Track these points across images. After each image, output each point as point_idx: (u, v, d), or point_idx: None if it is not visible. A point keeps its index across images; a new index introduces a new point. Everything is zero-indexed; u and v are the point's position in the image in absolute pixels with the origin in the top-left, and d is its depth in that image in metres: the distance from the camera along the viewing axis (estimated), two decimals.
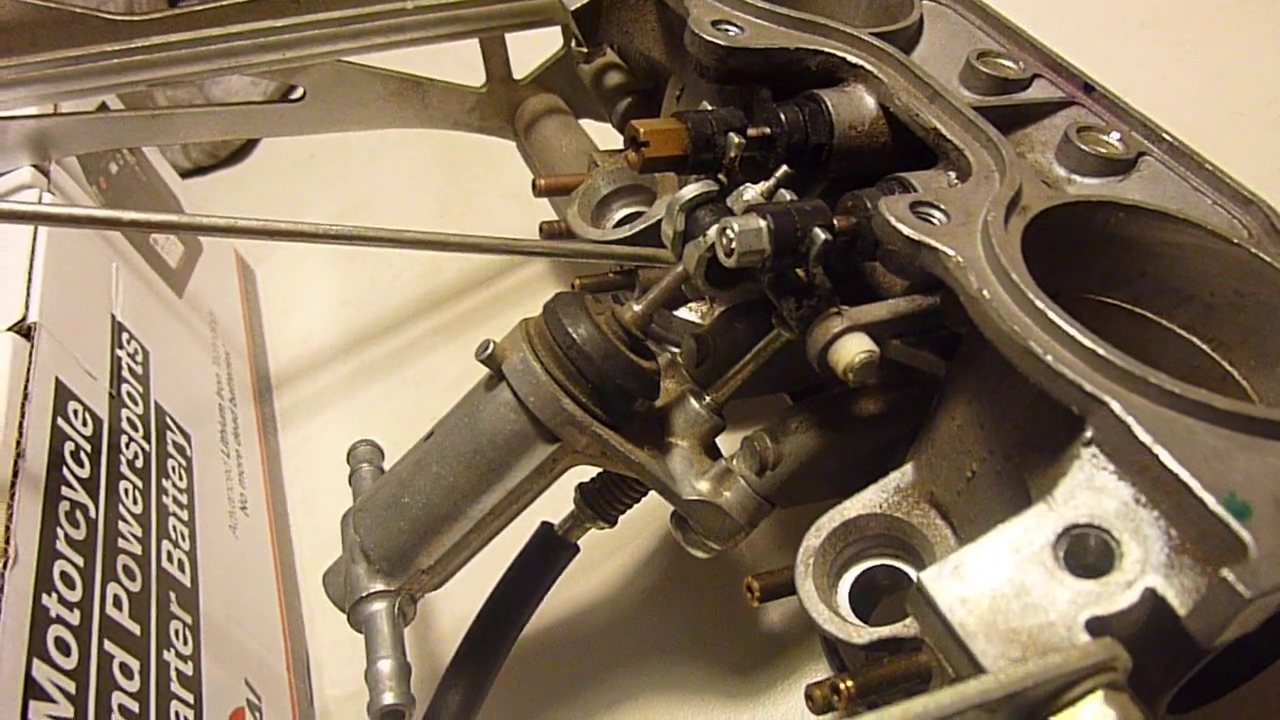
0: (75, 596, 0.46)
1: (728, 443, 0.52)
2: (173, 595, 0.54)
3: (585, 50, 0.62)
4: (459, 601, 0.55)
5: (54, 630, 0.44)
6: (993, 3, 0.59)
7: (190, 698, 0.51)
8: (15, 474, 0.46)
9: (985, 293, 0.37)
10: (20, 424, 0.48)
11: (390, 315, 0.88)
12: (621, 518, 0.53)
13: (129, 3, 1.14)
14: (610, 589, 0.63)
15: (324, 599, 0.68)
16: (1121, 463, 0.33)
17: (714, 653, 0.60)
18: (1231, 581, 0.29)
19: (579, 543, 0.55)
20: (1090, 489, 0.33)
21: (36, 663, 0.42)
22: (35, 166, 0.64)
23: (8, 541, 0.44)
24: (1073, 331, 0.35)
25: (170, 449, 0.61)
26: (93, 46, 0.59)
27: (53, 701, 0.42)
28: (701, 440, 0.50)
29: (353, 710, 0.65)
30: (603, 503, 0.53)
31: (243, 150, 1.11)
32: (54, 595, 0.45)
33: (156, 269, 0.72)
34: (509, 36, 0.74)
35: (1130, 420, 0.33)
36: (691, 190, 0.46)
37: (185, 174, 1.05)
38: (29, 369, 0.51)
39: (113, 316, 0.62)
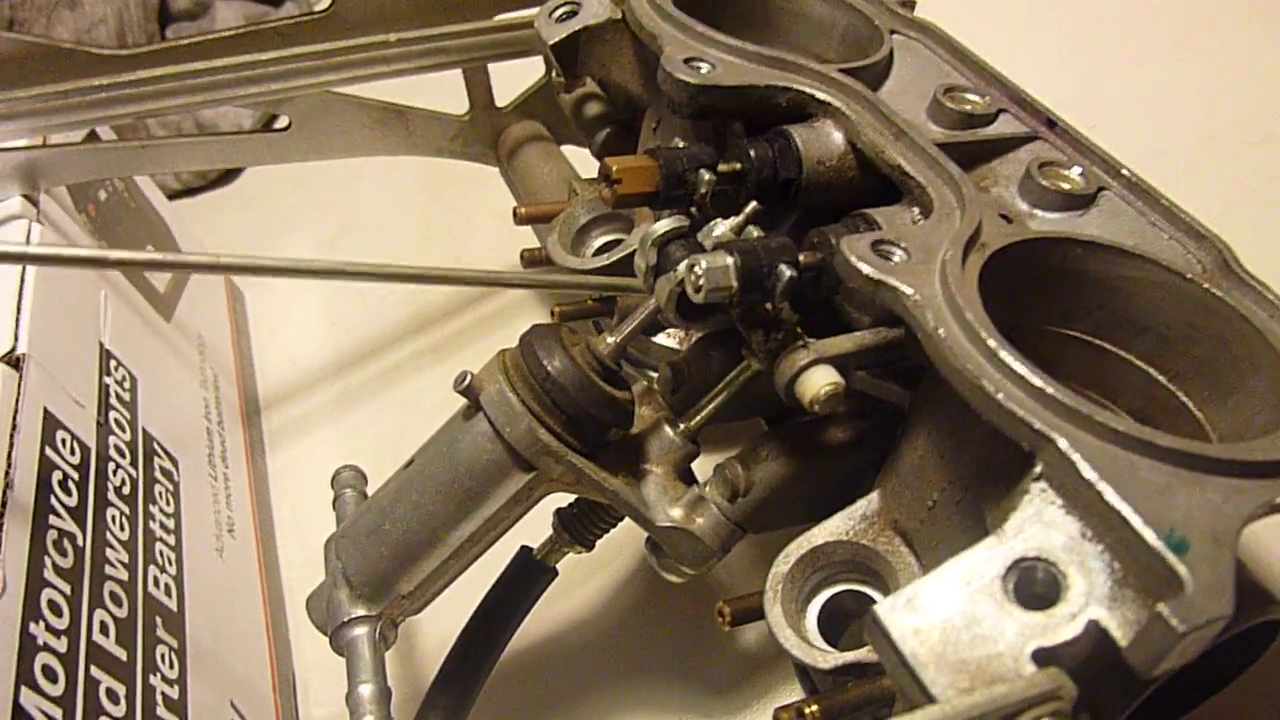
0: (62, 624, 0.47)
1: (703, 465, 0.53)
2: (159, 620, 0.55)
3: (565, 81, 0.63)
4: (440, 625, 0.56)
5: (41, 658, 0.45)
6: (963, 31, 0.60)
7: None
8: (3, 504, 0.47)
9: (941, 331, 0.38)
10: (9, 454, 0.49)
11: (377, 338, 0.89)
12: (599, 542, 0.55)
13: (119, 26, 1.15)
14: (588, 611, 0.65)
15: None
16: (1069, 498, 0.34)
17: (690, 673, 0.61)
18: (1166, 616, 0.30)
19: (557, 566, 0.56)
20: (1039, 523, 0.35)
21: (24, 690, 0.43)
22: (25, 196, 0.65)
23: None
24: (1023, 370, 0.36)
25: (158, 474, 0.62)
26: (82, 80, 0.60)
27: None
28: (676, 467, 0.52)
29: None
30: (580, 528, 0.54)
31: (231, 172, 1.12)
32: (41, 623, 0.46)
33: (145, 295, 0.73)
34: (491, 65, 0.75)
35: (1076, 457, 0.34)
36: (663, 225, 0.47)
37: (173, 195, 1.06)
38: (17, 400, 0.52)
39: (101, 344, 0.63)
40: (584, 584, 0.65)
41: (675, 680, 0.61)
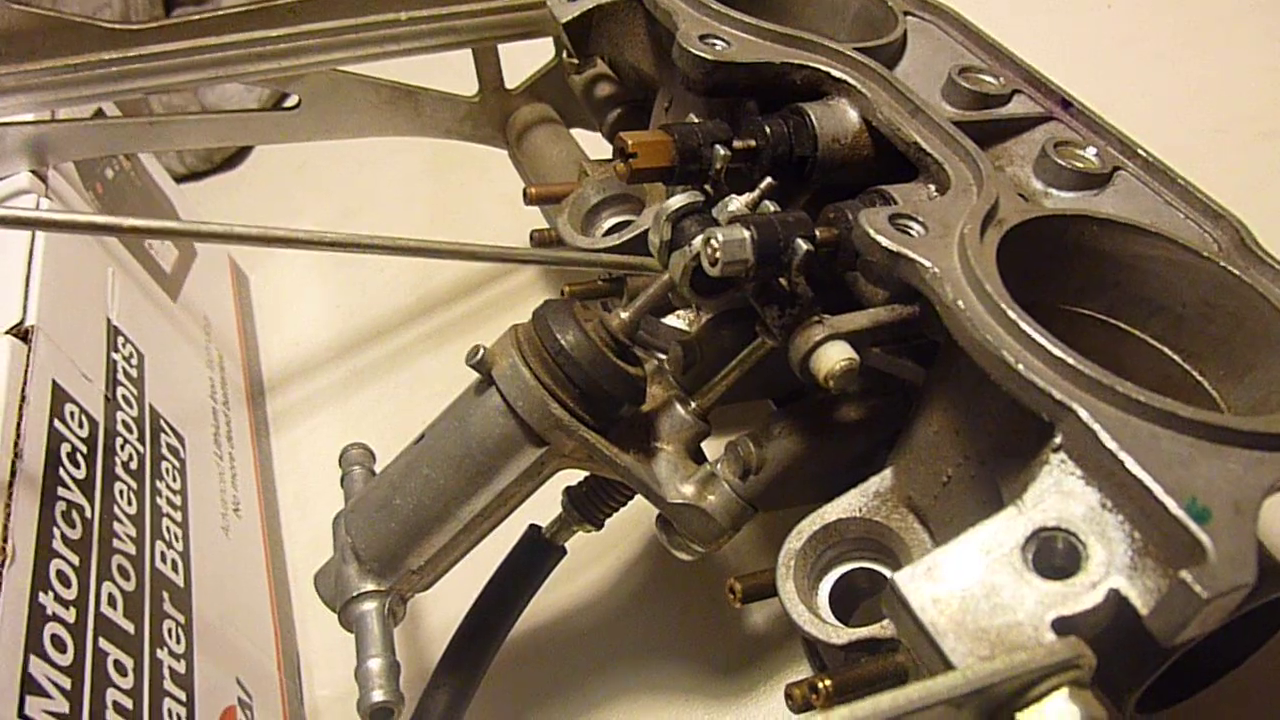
0: (71, 595, 0.47)
1: (712, 447, 0.53)
2: (166, 595, 0.55)
3: (576, 61, 0.63)
4: (447, 603, 0.56)
5: (50, 628, 0.45)
6: (976, 19, 0.60)
7: (183, 695, 0.52)
8: (13, 474, 0.47)
9: (960, 303, 0.38)
10: (18, 425, 0.49)
11: (382, 320, 0.89)
12: (608, 521, 0.54)
13: (125, 9, 1.15)
14: (597, 591, 0.64)
15: (315, 600, 0.69)
16: (1089, 468, 0.34)
17: (698, 653, 0.61)
18: (1190, 583, 0.30)
19: (566, 545, 0.56)
20: (1058, 493, 0.34)
21: (33, 659, 0.43)
22: (33, 172, 0.65)
23: (5, 540, 0.45)
24: (1043, 341, 0.36)
25: (164, 451, 0.62)
26: (91, 55, 0.60)
27: (49, 697, 0.43)
28: (686, 445, 0.51)
29: (342, 711, 0.66)
30: (589, 506, 0.54)
31: (237, 156, 1.12)
32: (50, 594, 0.46)
33: (152, 274, 0.73)
34: (501, 46, 0.75)
35: (1097, 427, 0.34)
36: (678, 201, 0.47)
37: (180, 179, 1.06)
38: (26, 371, 0.52)
39: (108, 320, 0.63)
40: (592, 564, 0.65)
41: (683, 660, 0.61)
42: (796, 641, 0.60)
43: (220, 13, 0.62)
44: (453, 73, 0.79)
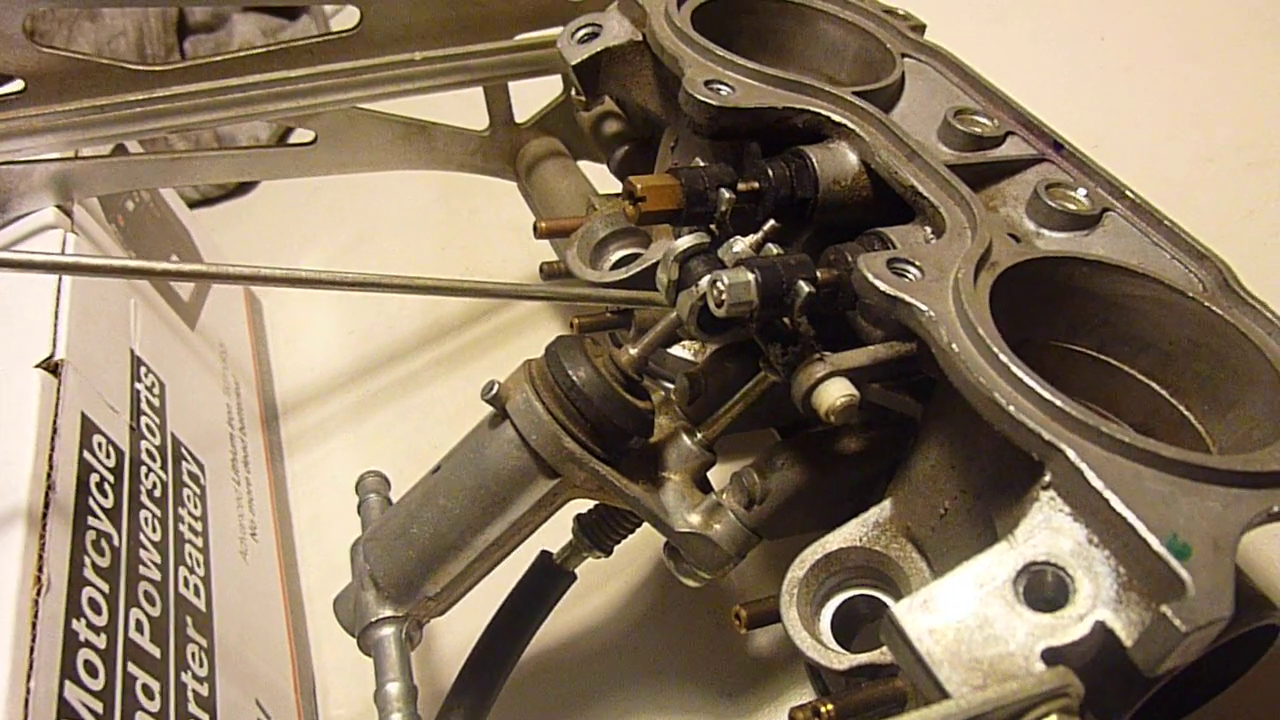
0: (102, 621, 0.49)
1: (717, 475, 0.55)
2: (189, 619, 0.57)
3: (585, 100, 0.65)
4: (460, 627, 0.58)
5: (83, 654, 0.46)
6: (971, 50, 0.62)
7: (206, 717, 0.54)
8: (46, 505, 0.49)
9: (954, 346, 0.40)
10: (50, 457, 0.51)
11: (394, 346, 0.91)
12: (616, 548, 0.56)
13: (139, 39, 1.17)
14: (605, 615, 0.66)
15: (330, 623, 0.71)
16: (1076, 505, 0.36)
17: (703, 676, 0.63)
18: (1170, 616, 0.32)
19: (576, 571, 0.57)
20: (1048, 529, 0.36)
21: (68, 684, 0.44)
22: (59, 206, 0.67)
23: (41, 570, 0.47)
24: (1033, 384, 0.38)
25: (185, 478, 0.64)
26: (117, 95, 0.62)
27: None
28: (693, 475, 0.53)
29: None
30: (599, 533, 0.56)
31: (248, 183, 1.14)
32: (83, 620, 0.47)
33: (171, 303, 0.75)
34: (511, 83, 0.77)
35: (1084, 466, 0.36)
36: (685, 242, 0.49)
37: (193, 205, 1.08)
38: (57, 405, 0.54)
39: (132, 351, 0.65)
40: (601, 589, 0.67)
41: (688, 683, 0.63)
42: (798, 665, 0.62)
43: (241, 54, 0.65)
44: (464, 107, 0.81)
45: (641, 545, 0.65)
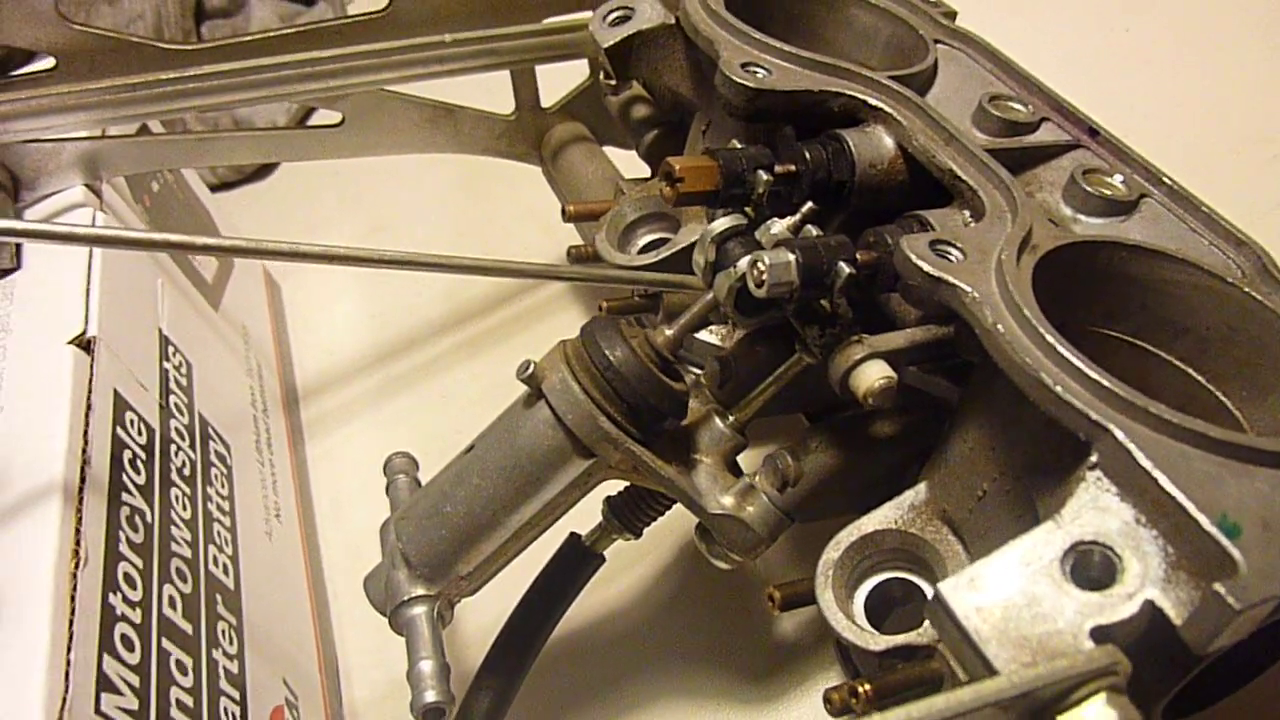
0: (137, 596, 0.49)
1: (747, 459, 0.55)
2: (219, 597, 0.57)
3: (613, 83, 0.65)
4: (489, 608, 0.58)
5: (120, 628, 0.47)
6: (999, 43, 0.62)
7: (237, 695, 0.54)
8: (82, 480, 0.49)
9: (1000, 327, 0.40)
10: (85, 433, 0.51)
11: (415, 331, 0.91)
12: (645, 531, 0.56)
13: (158, 21, 1.17)
14: (633, 598, 0.66)
15: (352, 605, 0.71)
16: (1124, 485, 0.36)
17: (730, 660, 0.63)
18: (1223, 594, 0.32)
19: (605, 553, 0.57)
20: (1095, 509, 0.36)
21: (106, 657, 0.45)
22: (87, 185, 0.67)
23: (79, 543, 0.47)
24: (1080, 364, 0.38)
25: (213, 458, 0.64)
26: (148, 74, 0.62)
27: (121, 694, 0.44)
28: (725, 457, 0.53)
29: (379, 712, 0.68)
30: (629, 515, 0.56)
31: (267, 168, 1.14)
32: (119, 595, 0.48)
33: (196, 284, 0.75)
34: (538, 67, 0.77)
35: (1132, 447, 0.36)
36: (723, 223, 0.49)
37: (212, 189, 1.08)
38: (91, 381, 0.54)
39: (160, 330, 0.65)
40: (629, 571, 0.67)
41: (715, 667, 0.63)
42: (825, 648, 0.62)
43: (271, 34, 0.65)
44: (490, 91, 0.81)
45: (669, 530, 0.65)
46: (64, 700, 0.41)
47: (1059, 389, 0.38)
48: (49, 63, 0.62)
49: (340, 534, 0.78)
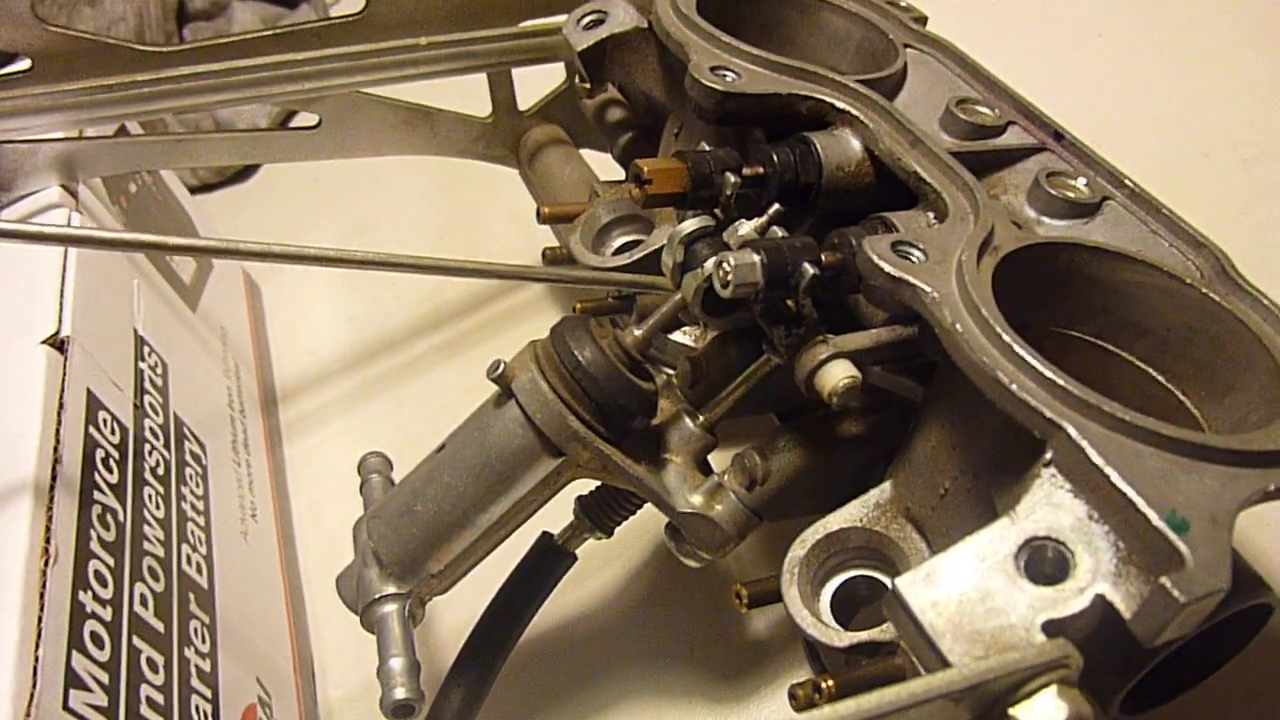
0: (107, 594, 0.49)
1: (717, 460, 0.55)
2: (192, 596, 0.57)
3: (589, 87, 0.65)
4: (461, 607, 0.58)
5: (89, 625, 0.47)
6: (970, 46, 0.63)
7: (209, 693, 0.54)
8: (54, 478, 0.49)
9: (958, 326, 0.41)
10: (57, 432, 0.52)
11: (393, 333, 0.91)
12: (617, 530, 0.57)
13: (139, 24, 1.17)
14: (605, 597, 0.67)
15: (328, 605, 0.71)
16: (1077, 482, 0.37)
17: (701, 659, 0.63)
18: (1169, 588, 0.32)
19: (577, 552, 0.58)
20: (1049, 505, 0.37)
21: (75, 654, 0.45)
22: (63, 186, 0.67)
23: (49, 541, 0.47)
24: (1035, 363, 0.39)
25: (188, 458, 0.64)
26: (124, 76, 0.63)
27: (90, 690, 0.45)
28: (695, 457, 0.54)
29: (354, 712, 0.68)
30: (601, 514, 0.56)
31: (248, 170, 1.15)
32: (89, 592, 0.48)
33: (173, 285, 0.75)
34: (515, 70, 0.77)
35: (1085, 444, 0.36)
36: (690, 225, 0.50)
37: (192, 191, 1.08)
38: (63, 380, 0.54)
39: (135, 330, 0.65)
40: (601, 571, 0.67)
41: (687, 666, 0.63)
42: (796, 648, 0.63)
43: (249, 35, 0.65)
44: (467, 94, 0.82)
45: (641, 530, 0.65)
46: (31, 696, 0.41)
47: (1014, 387, 0.38)
48: (24, 64, 0.62)
49: (318, 535, 0.78)
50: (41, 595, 0.45)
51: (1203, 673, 0.47)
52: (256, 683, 0.60)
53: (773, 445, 0.54)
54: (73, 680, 0.44)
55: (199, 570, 0.59)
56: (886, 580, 0.49)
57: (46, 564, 0.46)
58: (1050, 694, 0.33)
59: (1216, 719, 0.52)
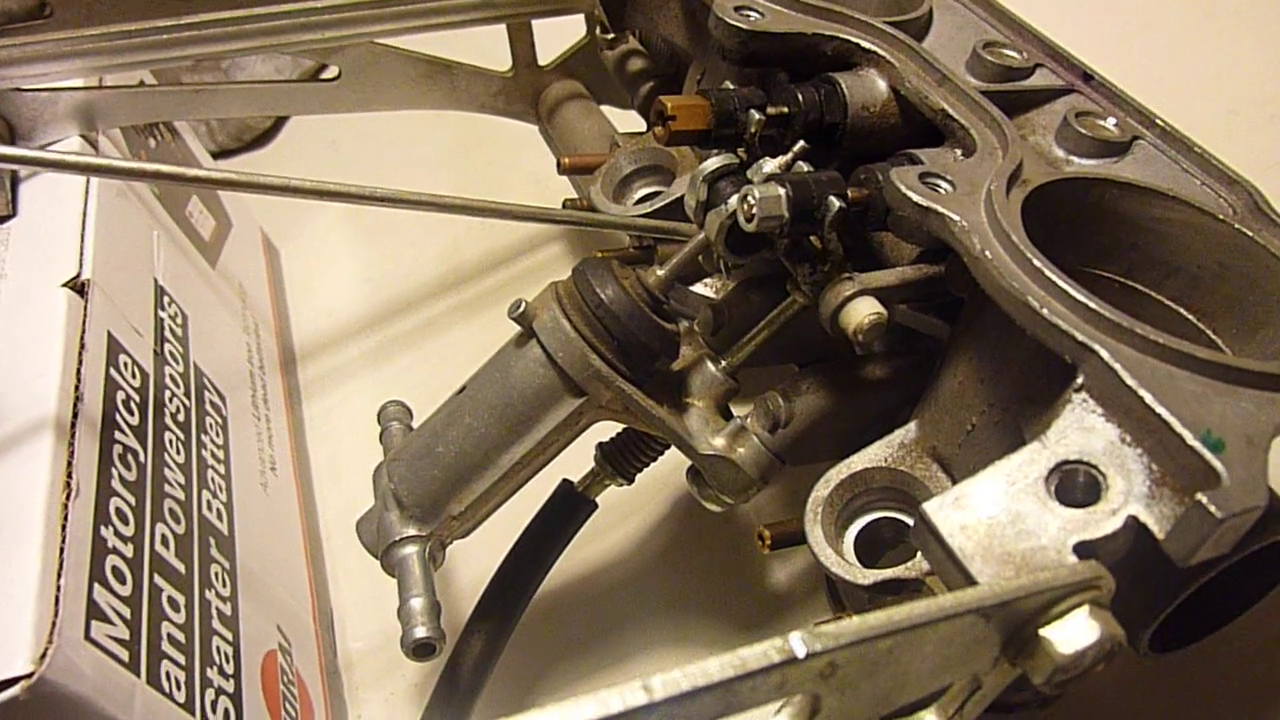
0: (129, 531, 0.49)
1: (739, 410, 0.55)
2: (212, 540, 0.57)
3: (610, 37, 0.65)
4: (481, 556, 0.58)
5: (111, 559, 0.47)
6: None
7: (230, 635, 0.54)
8: (75, 416, 0.49)
9: (987, 253, 0.40)
10: (78, 371, 0.52)
11: (411, 293, 0.91)
12: (638, 479, 0.56)
13: None
14: (626, 549, 0.67)
15: (347, 559, 0.71)
16: (1109, 405, 0.36)
17: (721, 610, 0.63)
18: (1205, 504, 0.32)
19: (597, 500, 0.58)
20: (1080, 429, 0.36)
21: (97, 587, 0.45)
22: (83, 137, 0.67)
23: (70, 476, 0.47)
24: (1066, 287, 0.38)
25: (208, 408, 0.64)
26: (144, 21, 0.62)
27: (111, 624, 0.45)
28: (717, 401, 0.53)
29: (374, 662, 0.68)
30: (622, 460, 0.56)
31: (266, 135, 1.14)
32: (110, 528, 0.48)
33: (192, 240, 0.75)
34: (535, 24, 0.77)
35: (1118, 366, 0.36)
36: (714, 163, 0.49)
37: (213, 156, 1.08)
38: (84, 322, 0.54)
39: (155, 280, 0.65)
40: (621, 522, 0.67)
41: (707, 616, 0.63)
42: (817, 600, 0.62)
43: None
44: (487, 48, 0.81)
45: (661, 483, 0.65)
46: (53, 625, 0.41)
47: (1045, 311, 0.37)
48: (45, 11, 0.62)
49: (337, 492, 0.78)
50: (64, 528, 0.45)
51: (1230, 614, 0.46)
52: (277, 630, 0.60)
53: (796, 387, 0.53)
54: (94, 611, 0.44)
55: (219, 516, 0.59)
56: (911, 522, 0.49)
57: (68, 497, 0.46)
58: (1082, 614, 0.33)
59: (1242, 663, 0.51)
